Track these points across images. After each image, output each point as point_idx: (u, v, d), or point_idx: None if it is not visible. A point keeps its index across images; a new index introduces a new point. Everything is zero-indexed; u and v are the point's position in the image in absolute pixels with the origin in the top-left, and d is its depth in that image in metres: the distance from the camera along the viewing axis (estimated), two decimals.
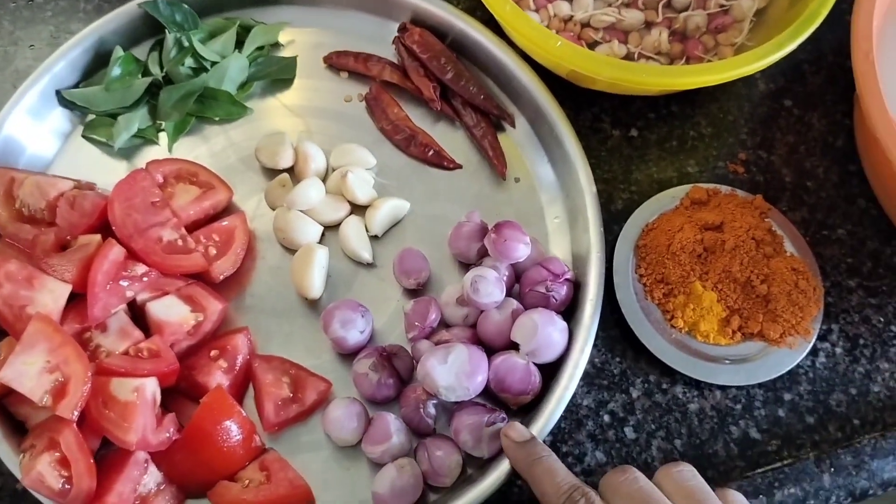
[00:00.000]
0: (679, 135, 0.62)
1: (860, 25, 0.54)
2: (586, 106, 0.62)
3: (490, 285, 0.51)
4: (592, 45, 0.59)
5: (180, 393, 0.51)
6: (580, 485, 0.44)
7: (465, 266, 0.56)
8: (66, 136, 0.59)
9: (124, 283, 0.50)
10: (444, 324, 0.54)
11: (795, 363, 0.54)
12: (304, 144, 0.58)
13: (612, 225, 0.58)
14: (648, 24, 0.60)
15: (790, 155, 0.62)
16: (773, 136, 0.62)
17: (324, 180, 0.58)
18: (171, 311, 0.51)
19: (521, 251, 0.53)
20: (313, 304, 0.55)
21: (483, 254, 0.55)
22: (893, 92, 0.57)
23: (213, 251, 0.54)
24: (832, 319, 0.57)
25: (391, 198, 0.57)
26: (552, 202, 0.58)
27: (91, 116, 0.59)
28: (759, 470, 0.52)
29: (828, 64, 0.65)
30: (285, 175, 0.57)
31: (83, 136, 0.59)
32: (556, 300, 0.53)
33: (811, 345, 0.54)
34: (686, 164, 0.61)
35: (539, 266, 0.54)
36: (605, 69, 0.52)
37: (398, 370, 0.52)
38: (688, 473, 0.43)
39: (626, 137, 0.62)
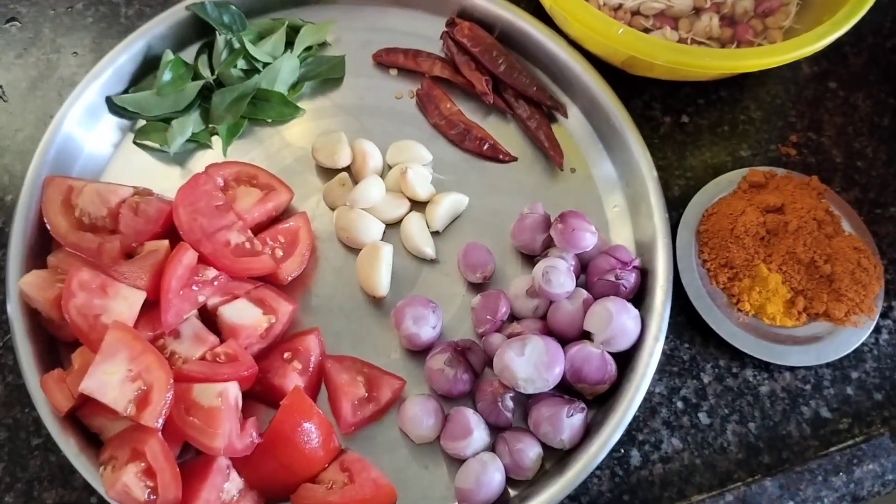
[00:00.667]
0: (730, 119, 0.62)
1: None
2: (636, 94, 0.62)
3: (562, 275, 0.51)
4: (644, 33, 0.59)
5: (253, 397, 0.51)
6: None
7: (529, 258, 0.56)
8: (117, 144, 0.58)
9: (196, 288, 0.49)
10: (513, 316, 0.54)
11: (861, 341, 0.55)
12: (361, 142, 0.57)
13: (670, 211, 0.58)
14: (697, 10, 0.60)
15: (839, 136, 0.62)
16: (820, 117, 0.63)
17: (381, 177, 0.57)
18: (244, 315, 0.50)
19: (589, 240, 0.53)
20: (379, 303, 0.55)
21: (548, 245, 0.55)
22: None
23: (279, 253, 0.53)
24: (892, 296, 0.57)
25: (451, 193, 0.57)
26: (610, 191, 0.58)
27: (141, 122, 0.58)
28: (835, 448, 0.53)
29: (868, 45, 0.65)
30: (344, 174, 0.57)
31: (134, 143, 0.58)
32: (626, 288, 0.53)
33: (875, 321, 0.55)
34: (739, 148, 0.61)
35: (606, 254, 0.54)
36: (667, 54, 0.52)
37: (472, 364, 0.52)
38: None
39: (677, 124, 0.62)
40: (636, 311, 0.52)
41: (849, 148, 0.62)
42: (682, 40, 0.59)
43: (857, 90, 0.64)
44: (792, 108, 0.63)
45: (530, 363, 0.49)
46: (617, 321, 0.51)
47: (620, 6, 0.60)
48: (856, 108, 0.63)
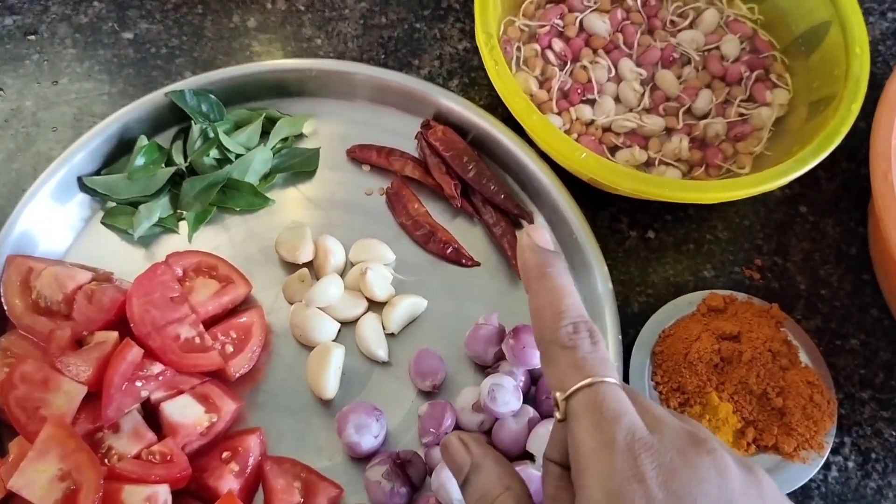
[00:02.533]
0: (696, 238, 0.62)
1: (878, 145, 0.55)
2: (604, 206, 0.62)
3: (507, 394, 0.51)
4: (613, 150, 0.60)
5: (189, 494, 0.50)
6: (588, 320, 0.35)
7: (482, 367, 0.56)
8: (86, 220, 0.59)
9: (139, 384, 0.49)
10: (459, 428, 0.54)
11: (809, 478, 0.54)
12: (325, 239, 0.58)
13: (627, 328, 0.58)
14: (669, 131, 0.61)
15: (805, 262, 0.62)
16: (788, 241, 0.63)
17: (342, 275, 0.58)
18: (185, 413, 0.50)
19: (538, 358, 0.53)
20: (328, 403, 0.55)
21: (500, 357, 0.55)
22: None
23: (229, 348, 0.53)
24: (844, 432, 0.57)
25: (409, 295, 0.57)
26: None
27: (111, 203, 0.59)
28: None
29: (842, 171, 0.66)
30: (305, 271, 0.57)
31: (102, 223, 0.59)
32: None
33: (824, 459, 0.54)
34: (703, 268, 0.61)
35: None
36: (627, 181, 0.53)
37: (411, 478, 0.51)
38: None
39: (643, 239, 0.62)
40: None
41: (814, 275, 0.62)
42: (650, 160, 0.60)
43: (828, 216, 0.64)
44: (760, 231, 0.63)
45: None
46: None
47: (592, 122, 0.60)
48: (825, 234, 0.63)
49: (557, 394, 0.33)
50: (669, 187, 0.53)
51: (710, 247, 0.62)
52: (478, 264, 0.59)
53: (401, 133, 0.63)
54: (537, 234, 0.38)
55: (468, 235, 0.61)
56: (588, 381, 0.33)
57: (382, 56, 0.67)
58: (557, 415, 0.33)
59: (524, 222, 0.60)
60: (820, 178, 0.65)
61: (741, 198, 0.54)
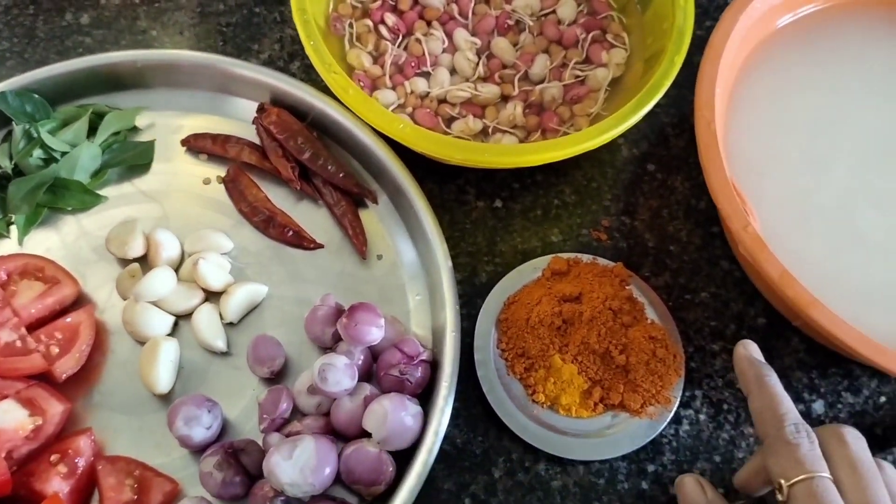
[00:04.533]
0: (543, 204, 0.62)
1: (702, 95, 0.55)
2: (451, 178, 0.62)
3: (339, 373, 0.50)
4: (450, 121, 0.60)
5: (18, 500, 0.49)
6: (803, 423, 0.44)
7: (325, 350, 0.55)
8: None
9: None
10: (297, 411, 0.53)
11: (657, 433, 0.54)
12: (156, 232, 0.57)
13: (476, 299, 0.58)
14: (505, 98, 0.61)
15: (653, 219, 0.62)
16: (636, 201, 0.63)
17: (178, 267, 0.57)
18: (6, 417, 0.49)
19: (374, 335, 0.52)
20: (166, 399, 0.53)
21: (338, 338, 0.54)
22: (742, 156, 0.58)
23: (55, 350, 0.52)
24: (696, 385, 0.57)
25: (247, 282, 0.56)
26: (414, 279, 0.58)
27: None
28: None
29: (690, 126, 0.66)
30: (135, 265, 0.56)
31: None
32: (412, 383, 0.52)
33: (672, 413, 0.54)
34: (550, 234, 0.61)
35: (394, 348, 0.53)
36: (448, 150, 0.52)
37: (246, 467, 0.50)
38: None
39: (490, 208, 0.62)
40: (417, 409, 0.51)
41: (662, 232, 0.62)
42: (485, 129, 0.59)
43: (676, 172, 0.64)
44: (608, 192, 0.63)
45: (297, 467, 0.48)
46: (393, 419, 0.50)
47: (427, 94, 0.60)
48: (673, 190, 0.63)
49: (781, 480, 0.42)
50: (493, 153, 0.52)
51: (558, 211, 0.62)
52: (321, 246, 0.59)
53: (241, 119, 0.62)
54: (751, 348, 0.49)
55: (313, 217, 0.60)
56: (809, 475, 0.42)
57: (221, 43, 0.65)
58: (780, 496, 0.42)
59: (369, 203, 0.60)
60: (668, 135, 0.65)
61: (561, 158, 0.53)
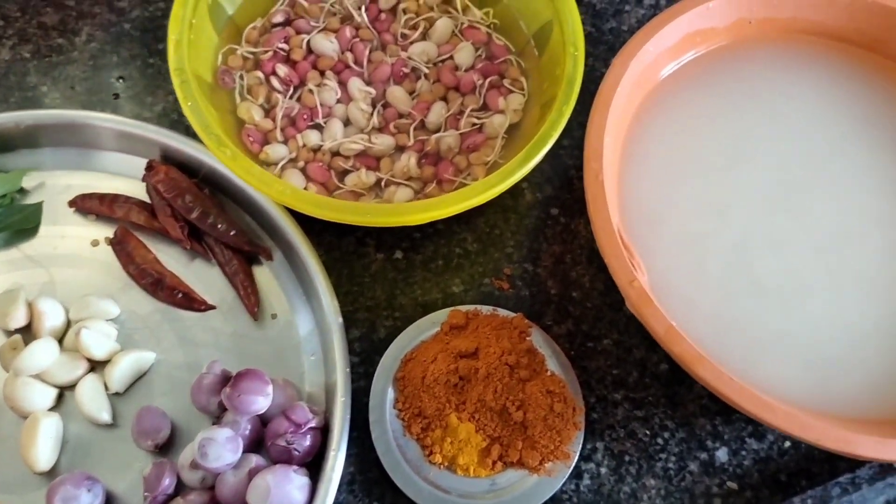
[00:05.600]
0: (445, 254, 0.61)
1: (591, 143, 0.54)
2: (350, 231, 0.61)
3: (220, 447, 0.49)
4: (343, 174, 0.58)
5: None
6: None
7: (214, 419, 0.54)
8: None
9: None
10: (181, 486, 0.51)
11: (556, 490, 0.53)
12: (39, 301, 0.55)
13: (374, 356, 0.56)
14: (401, 148, 0.59)
15: (556, 266, 0.61)
16: (539, 247, 0.62)
17: (63, 336, 0.55)
18: None
19: (260, 404, 0.51)
20: (49, 476, 0.52)
21: (225, 407, 0.53)
22: (637, 203, 0.57)
23: None
24: (597, 437, 0.56)
25: (133, 350, 0.55)
26: (308, 339, 0.56)
27: None
28: None
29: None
30: (17, 337, 0.54)
31: None
32: (300, 452, 0.51)
33: (570, 469, 0.53)
34: (451, 284, 0.60)
35: (282, 416, 0.52)
36: (330, 212, 0.51)
37: None
38: None
39: (391, 260, 0.60)
40: (304, 480, 0.50)
41: (565, 278, 0.61)
42: (378, 181, 0.58)
43: (580, 216, 0.63)
44: (511, 238, 0.62)
45: None
46: (276, 494, 0.48)
47: (320, 147, 0.58)
48: (576, 234, 0.62)
49: None
50: (371, 213, 0.51)
51: (460, 261, 0.61)
52: (212, 307, 0.57)
53: (131, 176, 0.60)
54: None
55: (207, 276, 0.58)
56: None
57: (114, 97, 0.64)
58: None
59: (263, 260, 0.59)
60: (573, 177, 0.65)
61: (450, 214, 0.52)
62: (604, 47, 0.70)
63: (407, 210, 0.52)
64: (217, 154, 0.52)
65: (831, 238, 0.57)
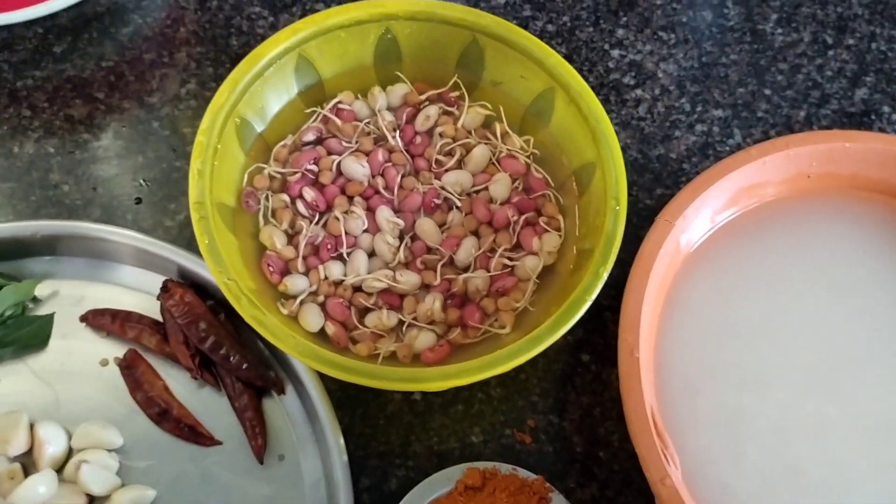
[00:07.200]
0: (466, 398, 0.58)
1: (628, 314, 0.51)
2: None
3: None
4: (364, 311, 0.55)
5: None
6: None
7: None
8: None
9: None
10: None
11: None
12: (42, 427, 0.53)
13: None
14: (426, 286, 0.56)
15: (583, 419, 0.57)
16: (566, 397, 0.58)
17: (64, 464, 0.53)
18: None
19: None
20: None
21: None
22: (674, 372, 0.53)
23: None
24: None
25: (134, 487, 0.52)
26: (315, 486, 0.54)
27: None
28: None
29: None
30: (16, 466, 0.52)
31: None
32: None
33: None
34: (471, 433, 0.57)
35: None
36: (345, 374, 0.48)
37: None
38: None
39: (408, 401, 0.57)
40: None
41: (592, 434, 0.57)
42: (401, 324, 0.55)
43: (612, 365, 0.59)
44: (537, 385, 0.58)
45: None
46: None
47: (342, 282, 0.56)
48: (607, 385, 0.59)
49: None
50: (388, 377, 0.48)
51: (481, 407, 0.58)
52: (218, 443, 0.55)
53: (147, 291, 0.58)
54: None
55: (215, 406, 0.56)
56: None
57: (136, 202, 0.62)
58: None
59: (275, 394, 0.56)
60: (606, 320, 0.61)
61: (467, 383, 0.49)
62: (650, 176, 0.66)
63: (426, 376, 0.48)
64: (232, 301, 0.49)
65: (881, 425, 0.53)
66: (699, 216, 0.54)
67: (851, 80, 0.72)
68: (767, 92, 0.71)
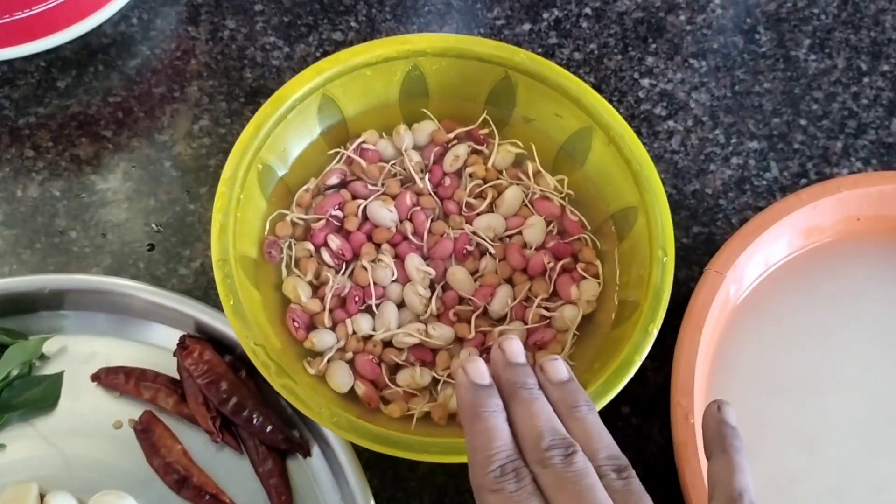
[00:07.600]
0: None
1: (680, 376, 0.48)
2: None
3: None
4: (395, 368, 0.52)
5: None
6: (518, 460, 0.36)
7: None
8: None
9: None
10: None
11: None
12: (53, 498, 0.49)
13: None
14: (460, 340, 0.53)
15: None
16: None
17: None
18: None
19: None
20: None
21: None
22: None
23: None
24: None
25: None
26: None
27: None
28: None
29: (670, 361, 0.59)
30: None
31: None
32: None
33: None
34: None
35: None
36: (380, 446, 0.45)
37: None
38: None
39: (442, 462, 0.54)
40: None
41: None
42: (435, 380, 0.52)
43: (654, 417, 0.57)
44: None
45: None
46: None
47: (370, 337, 0.53)
48: (649, 439, 0.56)
49: None
50: (420, 447, 0.45)
51: None
52: None
53: (163, 347, 0.55)
54: (474, 368, 0.39)
55: (236, 471, 0.53)
56: None
57: (148, 248, 0.58)
58: None
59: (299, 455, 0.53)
60: (646, 369, 0.58)
61: None
62: (685, 213, 0.63)
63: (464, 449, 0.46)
64: (260, 368, 0.46)
65: None
66: (749, 265, 0.52)
67: (888, 109, 0.69)
68: (803, 122, 0.68)
